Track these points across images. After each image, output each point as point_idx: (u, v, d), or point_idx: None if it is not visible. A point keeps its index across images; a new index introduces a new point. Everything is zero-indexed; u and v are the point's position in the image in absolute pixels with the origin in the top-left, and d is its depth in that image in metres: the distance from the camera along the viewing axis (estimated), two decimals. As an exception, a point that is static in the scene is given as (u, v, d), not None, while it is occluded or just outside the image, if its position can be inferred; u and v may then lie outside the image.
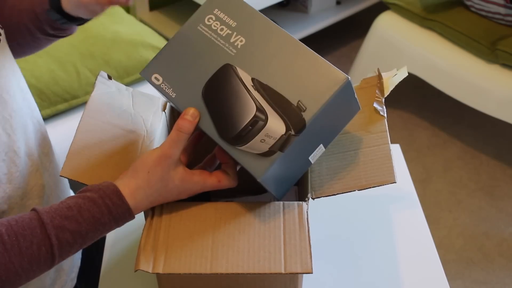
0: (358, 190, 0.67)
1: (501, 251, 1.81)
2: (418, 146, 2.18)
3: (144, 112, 0.76)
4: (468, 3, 2.00)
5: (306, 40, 2.42)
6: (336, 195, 0.68)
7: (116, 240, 0.87)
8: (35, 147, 0.74)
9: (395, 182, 0.66)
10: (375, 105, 0.74)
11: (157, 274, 0.69)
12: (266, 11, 2.36)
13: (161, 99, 0.79)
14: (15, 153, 0.68)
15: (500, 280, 1.72)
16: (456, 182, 2.04)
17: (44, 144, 0.78)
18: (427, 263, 0.84)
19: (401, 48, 2.11)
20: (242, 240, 0.62)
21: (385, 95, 0.75)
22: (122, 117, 0.74)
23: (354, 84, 0.79)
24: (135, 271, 0.60)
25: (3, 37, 0.68)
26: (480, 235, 1.86)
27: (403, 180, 0.98)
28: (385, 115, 0.73)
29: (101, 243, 0.91)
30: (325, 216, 0.90)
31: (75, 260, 0.86)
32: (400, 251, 0.85)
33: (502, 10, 1.91)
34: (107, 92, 0.76)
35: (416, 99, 2.38)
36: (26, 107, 0.73)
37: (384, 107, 0.74)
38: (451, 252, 1.80)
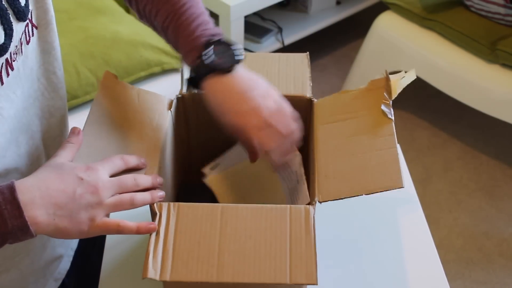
0: (366, 195, 0.66)
1: (501, 251, 1.81)
2: (418, 146, 2.18)
3: (150, 110, 0.76)
4: (468, 3, 2.00)
5: (306, 40, 2.42)
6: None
7: (117, 242, 0.87)
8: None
9: (402, 187, 0.65)
10: (383, 107, 0.74)
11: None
12: (266, 11, 2.36)
13: (166, 98, 0.79)
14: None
15: (500, 280, 1.72)
16: (456, 182, 2.04)
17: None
18: (427, 263, 0.84)
19: (401, 48, 2.11)
20: (248, 247, 0.62)
21: (393, 98, 0.75)
22: (128, 117, 0.74)
23: (360, 86, 0.79)
24: (143, 278, 0.60)
25: (35, 36, 0.67)
26: (480, 235, 1.86)
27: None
28: (393, 118, 0.73)
29: (98, 240, 0.91)
30: (325, 216, 0.90)
31: (63, 262, 0.86)
32: (400, 251, 0.85)
33: (502, 10, 1.91)
34: (113, 92, 0.76)
35: (416, 99, 2.38)
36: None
37: (392, 109, 0.74)
38: (451, 252, 1.80)
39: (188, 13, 0.71)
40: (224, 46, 0.70)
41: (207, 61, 0.68)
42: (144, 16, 0.76)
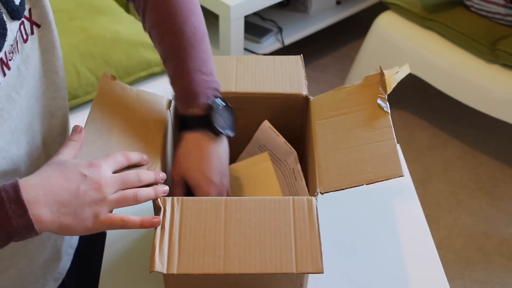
0: (366, 184, 0.67)
1: (501, 251, 1.81)
2: (418, 146, 2.18)
3: (149, 110, 0.76)
4: (468, 3, 2.00)
5: (306, 40, 2.42)
6: (341, 193, 0.68)
7: (117, 238, 0.87)
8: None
9: (402, 176, 0.66)
10: (379, 101, 0.75)
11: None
12: (266, 11, 2.36)
13: (165, 98, 0.80)
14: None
15: (500, 280, 1.72)
16: (456, 182, 2.04)
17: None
18: (427, 263, 0.84)
19: (401, 48, 2.11)
20: (253, 238, 0.62)
21: (388, 92, 0.76)
22: (128, 116, 0.74)
23: (356, 82, 0.80)
24: (150, 272, 0.60)
25: (35, 35, 0.67)
26: (480, 235, 1.86)
27: (403, 180, 0.98)
28: (389, 111, 0.74)
29: (98, 240, 0.91)
30: (324, 217, 0.90)
31: (63, 261, 0.86)
32: (400, 251, 0.85)
33: (502, 10, 1.91)
34: (112, 92, 0.76)
35: (416, 99, 2.38)
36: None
37: (388, 103, 0.75)
38: (451, 252, 1.80)
39: (194, 57, 0.73)
40: (226, 111, 0.75)
41: (212, 119, 0.72)
42: (150, 37, 0.77)
